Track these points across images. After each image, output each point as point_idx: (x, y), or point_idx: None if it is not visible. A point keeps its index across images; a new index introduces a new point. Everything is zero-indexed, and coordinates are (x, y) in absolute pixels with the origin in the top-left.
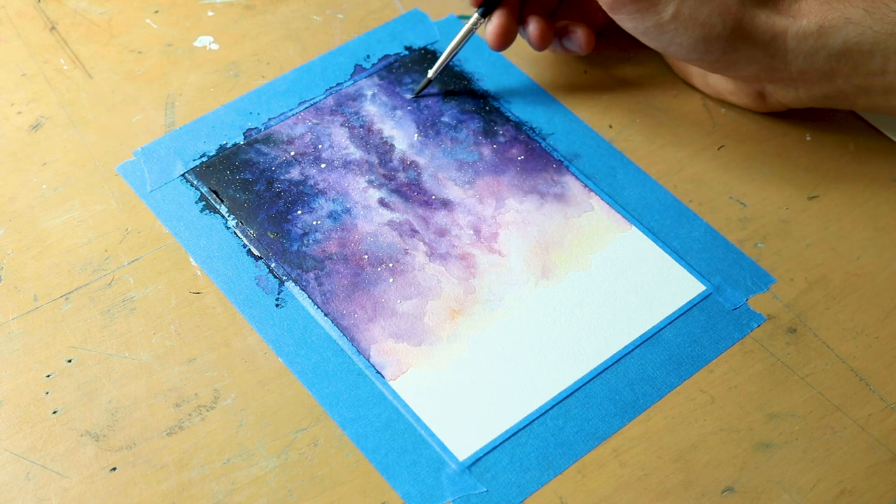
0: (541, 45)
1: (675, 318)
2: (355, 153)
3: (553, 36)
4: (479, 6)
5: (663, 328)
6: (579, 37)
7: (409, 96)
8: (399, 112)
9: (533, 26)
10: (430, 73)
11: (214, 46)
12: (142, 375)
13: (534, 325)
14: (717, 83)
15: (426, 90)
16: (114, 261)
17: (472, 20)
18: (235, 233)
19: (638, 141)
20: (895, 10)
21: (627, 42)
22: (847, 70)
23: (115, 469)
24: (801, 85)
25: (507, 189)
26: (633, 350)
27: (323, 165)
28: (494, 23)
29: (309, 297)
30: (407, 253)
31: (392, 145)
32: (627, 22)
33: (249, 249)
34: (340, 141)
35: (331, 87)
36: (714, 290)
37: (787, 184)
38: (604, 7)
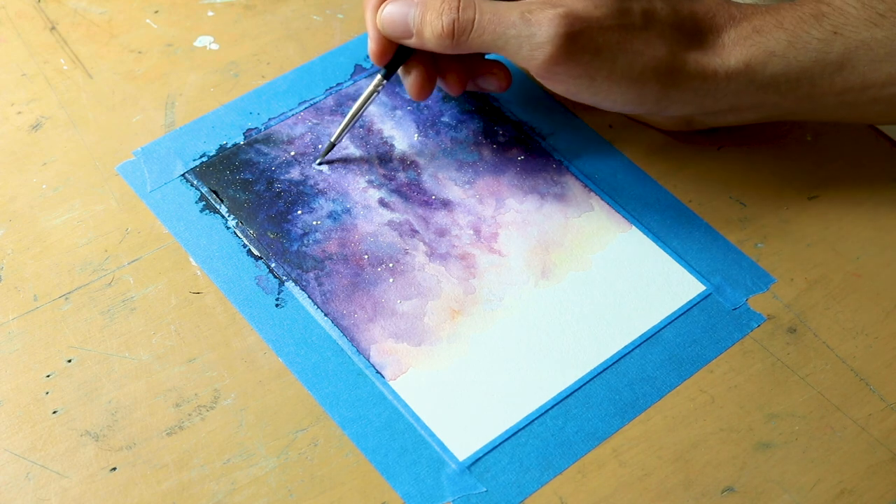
0: (456, 91)
1: (675, 318)
2: (355, 153)
3: (466, 81)
4: (383, 67)
5: (663, 328)
6: (497, 77)
7: (315, 164)
8: (399, 112)
9: (450, 76)
10: (333, 138)
11: (214, 46)
12: (142, 375)
13: (534, 325)
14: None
15: (330, 155)
16: (114, 261)
17: (374, 82)
18: (235, 233)
19: (638, 141)
20: (816, 37)
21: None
22: (775, 99)
23: (115, 469)
24: (730, 114)
25: (507, 189)
26: (632, 350)
27: (323, 166)
28: (413, 77)
29: (309, 297)
30: (407, 253)
31: (392, 145)
32: (558, 87)
33: (249, 249)
34: (340, 141)
35: (331, 87)
36: (714, 290)
37: (787, 184)
38: (534, 75)
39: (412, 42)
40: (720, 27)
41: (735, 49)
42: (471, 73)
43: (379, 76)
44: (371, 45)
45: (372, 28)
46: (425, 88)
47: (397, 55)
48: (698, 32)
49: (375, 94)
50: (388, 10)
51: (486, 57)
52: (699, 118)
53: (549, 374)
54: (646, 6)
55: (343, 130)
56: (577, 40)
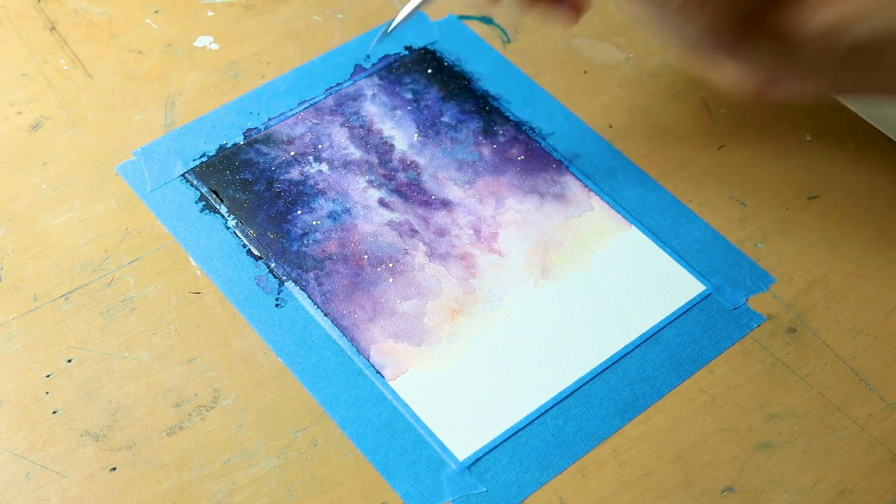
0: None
1: (675, 318)
2: (355, 153)
3: None
4: None
5: (663, 328)
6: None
7: (371, 47)
8: (399, 112)
9: None
10: (390, 29)
11: (214, 46)
12: (142, 375)
13: (534, 325)
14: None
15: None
16: (114, 261)
17: None
18: (235, 233)
19: (638, 141)
20: None
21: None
22: (865, 62)
23: (115, 469)
24: (813, 77)
25: (507, 189)
26: (633, 350)
27: (323, 166)
28: None
29: (309, 297)
30: (407, 253)
31: (392, 145)
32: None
33: (249, 249)
34: (340, 141)
35: (331, 87)
36: (714, 290)
37: (787, 184)
38: None
39: None
40: None
41: (823, 7)
42: None
43: None
44: None
45: None
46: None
47: None
48: None
49: None
50: None
51: None
52: (783, 80)
53: (549, 374)
54: None
55: (402, 21)
56: None
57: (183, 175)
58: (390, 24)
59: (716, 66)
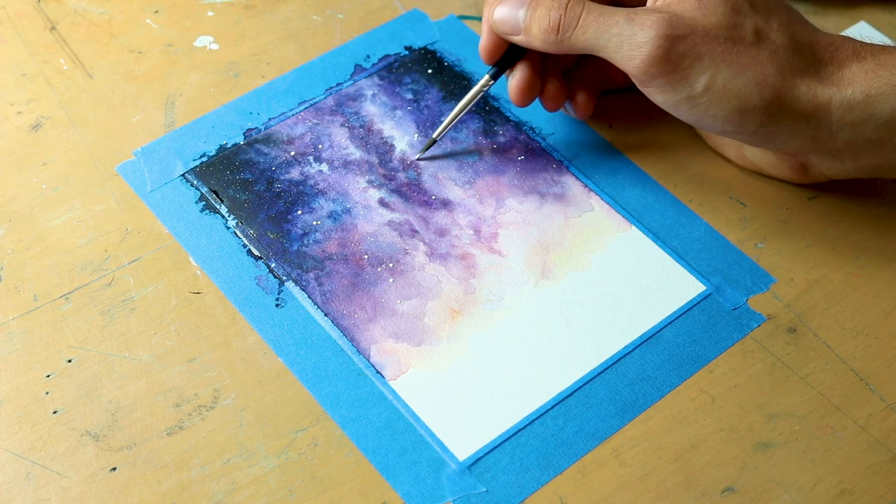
0: (552, 107)
1: (675, 318)
2: (355, 153)
3: (565, 97)
4: (493, 66)
5: (663, 328)
6: (578, 103)
7: (415, 157)
8: (399, 112)
9: (549, 87)
10: (435, 134)
11: (214, 46)
12: (142, 375)
13: (534, 325)
14: (755, 155)
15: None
16: (114, 261)
17: (481, 82)
18: (235, 233)
19: (638, 141)
20: None
21: (653, 108)
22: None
23: (115, 469)
24: (848, 156)
25: (507, 189)
26: (633, 350)
27: (323, 166)
28: (517, 77)
29: (309, 297)
30: (407, 253)
31: (392, 145)
32: (657, 95)
33: (249, 249)
34: (340, 141)
35: (331, 87)
36: (714, 290)
37: (787, 184)
38: (633, 80)
39: (520, 39)
40: (842, 61)
41: (855, 81)
42: (569, 92)
43: (486, 76)
44: (482, 41)
45: (486, 24)
46: (526, 92)
47: (505, 57)
48: (816, 62)
49: (481, 94)
50: (501, 7)
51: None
52: (815, 162)
53: (549, 374)
54: (761, 25)
55: (445, 128)
56: (677, 44)
57: (183, 175)
58: (436, 131)
59: (743, 149)
